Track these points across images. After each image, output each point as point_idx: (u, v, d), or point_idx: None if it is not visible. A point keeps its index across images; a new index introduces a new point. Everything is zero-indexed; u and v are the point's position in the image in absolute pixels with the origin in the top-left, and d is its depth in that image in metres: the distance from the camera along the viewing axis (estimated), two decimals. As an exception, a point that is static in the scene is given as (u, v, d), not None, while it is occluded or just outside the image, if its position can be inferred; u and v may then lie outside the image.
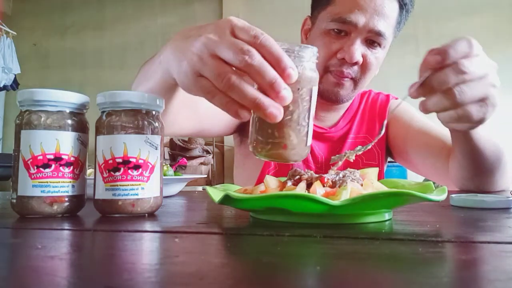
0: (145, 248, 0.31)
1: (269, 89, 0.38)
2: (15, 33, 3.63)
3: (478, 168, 0.70)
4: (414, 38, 3.07)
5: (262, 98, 0.37)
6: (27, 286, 0.21)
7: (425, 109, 0.51)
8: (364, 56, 0.80)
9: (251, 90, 0.38)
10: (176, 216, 0.50)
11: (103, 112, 0.47)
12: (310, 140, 0.43)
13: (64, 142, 0.45)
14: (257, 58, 0.38)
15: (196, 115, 0.79)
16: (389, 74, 3.12)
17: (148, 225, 0.40)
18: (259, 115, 0.40)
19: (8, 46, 3.51)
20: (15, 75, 3.53)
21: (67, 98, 0.46)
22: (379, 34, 0.78)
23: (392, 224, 0.40)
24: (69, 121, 0.46)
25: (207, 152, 3.27)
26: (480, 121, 0.53)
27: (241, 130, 0.95)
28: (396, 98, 0.99)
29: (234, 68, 0.39)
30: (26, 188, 0.44)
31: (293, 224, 0.39)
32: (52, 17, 3.89)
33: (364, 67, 0.81)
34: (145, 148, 0.45)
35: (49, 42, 3.88)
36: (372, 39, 0.79)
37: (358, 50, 0.78)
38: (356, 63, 0.80)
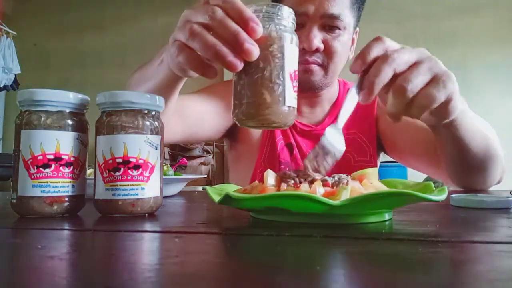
0: (145, 248, 0.31)
1: (233, 43, 0.39)
2: (15, 33, 3.63)
3: (470, 162, 0.69)
4: (414, 38, 3.07)
5: (223, 46, 0.39)
6: (27, 286, 0.21)
7: (392, 117, 0.50)
8: (325, 42, 0.81)
9: (212, 38, 0.40)
10: (176, 216, 0.50)
11: (103, 112, 0.47)
12: (290, 101, 0.42)
13: (64, 142, 0.45)
14: (219, 13, 0.40)
15: (183, 120, 0.79)
16: (389, 74, 3.12)
17: (148, 225, 0.40)
18: (220, 64, 0.41)
19: (8, 46, 3.51)
20: (15, 75, 3.53)
21: (67, 98, 0.46)
22: (333, 17, 0.79)
23: (392, 224, 0.40)
24: (69, 121, 0.46)
25: (207, 152, 3.27)
26: (450, 98, 0.51)
27: (230, 134, 0.95)
28: None
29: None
30: (26, 188, 0.44)
31: (293, 224, 0.39)
32: (52, 17, 3.90)
33: (328, 52, 0.82)
34: (145, 148, 0.45)
35: (49, 42, 3.88)
36: (329, 24, 0.81)
37: (317, 36, 0.80)
38: (317, 50, 0.81)
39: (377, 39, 0.49)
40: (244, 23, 0.39)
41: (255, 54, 0.39)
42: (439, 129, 0.63)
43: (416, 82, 0.47)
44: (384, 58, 0.47)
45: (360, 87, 0.49)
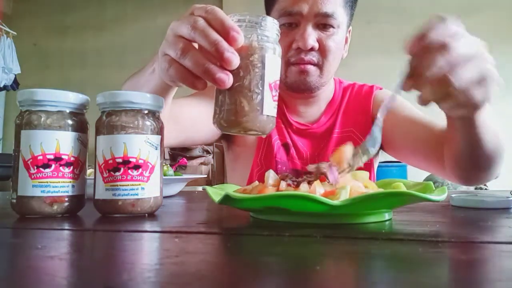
0: (145, 248, 0.31)
1: (214, 52, 0.40)
2: (15, 33, 3.63)
3: (479, 157, 0.67)
4: (414, 38, 3.06)
5: (211, 64, 0.40)
6: (27, 286, 0.21)
7: (423, 101, 0.47)
8: (319, 41, 0.82)
9: (201, 57, 0.41)
10: (176, 216, 0.50)
11: (103, 112, 0.47)
12: (268, 110, 0.42)
13: (64, 142, 0.45)
14: (201, 23, 0.41)
15: (179, 124, 0.79)
16: (389, 74, 3.13)
17: (148, 225, 0.40)
18: (209, 82, 0.41)
19: (8, 46, 3.51)
20: (15, 75, 3.53)
21: (67, 98, 0.46)
22: (327, 15, 0.80)
23: (392, 224, 0.40)
24: (69, 121, 0.46)
25: (207, 152, 3.27)
26: (485, 102, 0.49)
27: (226, 136, 0.96)
28: (381, 88, 0.98)
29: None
30: (26, 188, 0.44)
31: (293, 224, 0.39)
32: (52, 17, 3.89)
33: (322, 51, 0.83)
34: (145, 148, 0.45)
35: (49, 42, 3.88)
36: (323, 23, 0.81)
37: (311, 35, 0.80)
38: (312, 49, 0.82)
39: (439, 18, 0.46)
40: (225, 32, 0.40)
41: (235, 63, 0.40)
42: (454, 120, 0.61)
43: (466, 82, 0.45)
44: (446, 54, 0.44)
45: (407, 76, 0.46)
